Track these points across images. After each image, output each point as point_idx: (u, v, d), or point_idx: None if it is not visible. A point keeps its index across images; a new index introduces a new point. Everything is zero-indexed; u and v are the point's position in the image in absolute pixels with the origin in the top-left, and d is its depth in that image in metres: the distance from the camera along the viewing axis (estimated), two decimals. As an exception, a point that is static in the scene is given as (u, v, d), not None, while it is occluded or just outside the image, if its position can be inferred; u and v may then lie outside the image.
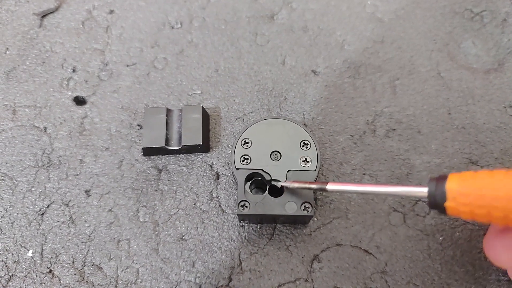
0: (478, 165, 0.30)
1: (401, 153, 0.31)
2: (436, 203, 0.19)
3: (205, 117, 0.31)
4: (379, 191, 0.21)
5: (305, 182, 0.25)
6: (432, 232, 0.28)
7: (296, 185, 0.25)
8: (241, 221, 0.28)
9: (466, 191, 0.18)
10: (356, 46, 0.35)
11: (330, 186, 0.23)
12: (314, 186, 0.24)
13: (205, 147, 0.30)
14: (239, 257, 0.28)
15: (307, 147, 0.28)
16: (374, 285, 0.27)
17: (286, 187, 0.26)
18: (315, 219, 0.29)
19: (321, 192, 0.29)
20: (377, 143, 0.31)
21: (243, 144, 0.28)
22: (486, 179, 0.18)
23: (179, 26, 0.36)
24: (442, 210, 0.19)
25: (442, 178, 0.19)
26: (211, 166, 0.30)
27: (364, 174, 0.30)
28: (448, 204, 0.19)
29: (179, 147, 0.30)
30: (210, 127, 0.32)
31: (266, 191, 0.27)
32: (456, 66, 0.34)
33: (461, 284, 0.27)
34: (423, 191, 0.20)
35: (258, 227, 0.28)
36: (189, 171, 0.30)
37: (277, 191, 0.27)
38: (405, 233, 0.28)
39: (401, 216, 0.29)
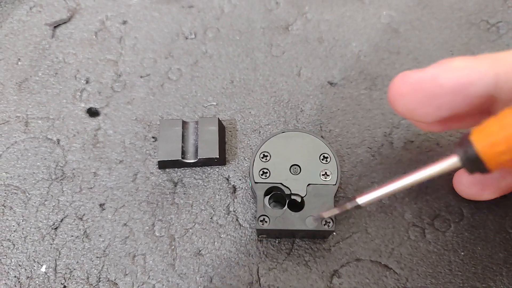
0: (499, 179, 0.30)
1: (420, 166, 0.30)
2: (472, 162, 0.18)
3: (221, 129, 0.31)
4: (410, 182, 0.20)
5: (338, 207, 0.24)
6: (453, 247, 0.28)
7: (332, 213, 0.24)
8: (260, 236, 0.28)
9: (495, 137, 0.17)
10: (372, 57, 0.35)
11: (360, 200, 0.22)
12: (348, 206, 0.23)
13: (221, 160, 0.30)
14: (258, 272, 0.27)
15: (326, 160, 0.27)
16: (396, 301, 0.26)
17: (319, 219, 0.25)
18: (334, 233, 0.28)
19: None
20: (395, 156, 0.31)
21: (262, 158, 0.27)
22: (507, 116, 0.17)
23: (193, 37, 0.36)
24: (482, 167, 0.18)
25: (466, 136, 0.18)
26: (227, 179, 0.30)
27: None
28: (484, 154, 0.17)
29: (195, 160, 0.29)
30: (226, 139, 0.31)
31: (286, 206, 0.26)
32: (473, 78, 0.34)
33: (484, 301, 0.26)
34: (453, 160, 0.18)
35: (277, 241, 0.28)
36: (205, 184, 0.30)
37: (296, 205, 0.26)
38: (426, 248, 0.28)
39: (420, 230, 0.28)
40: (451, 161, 0.18)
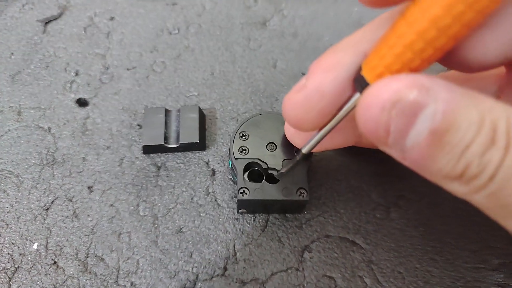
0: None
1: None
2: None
3: (202, 117, 0.33)
4: (335, 123, 0.21)
5: (289, 163, 0.26)
6: (414, 224, 0.30)
7: (284, 169, 0.27)
8: (239, 211, 0.30)
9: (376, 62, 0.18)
10: (343, 50, 0.37)
11: (305, 149, 0.24)
12: (297, 158, 0.25)
13: (201, 145, 0.32)
14: (234, 247, 0.29)
15: None
16: (361, 273, 0.28)
17: (282, 175, 0.28)
18: (305, 212, 0.30)
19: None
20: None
21: (241, 137, 0.30)
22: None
23: (176, 32, 0.38)
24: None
25: (359, 76, 0.19)
26: (207, 163, 0.32)
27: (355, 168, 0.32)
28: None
29: (177, 145, 0.32)
30: (206, 126, 0.34)
31: (264, 179, 0.28)
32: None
33: (441, 272, 0.28)
34: (357, 96, 0.19)
35: (252, 219, 0.30)
36: (186, 168, 0.32)
37: (273, 180, 0.28)
38: (390, 225, 0.30)
39: (385, 209, 0.30)
40: (356, 97, 0.20)
